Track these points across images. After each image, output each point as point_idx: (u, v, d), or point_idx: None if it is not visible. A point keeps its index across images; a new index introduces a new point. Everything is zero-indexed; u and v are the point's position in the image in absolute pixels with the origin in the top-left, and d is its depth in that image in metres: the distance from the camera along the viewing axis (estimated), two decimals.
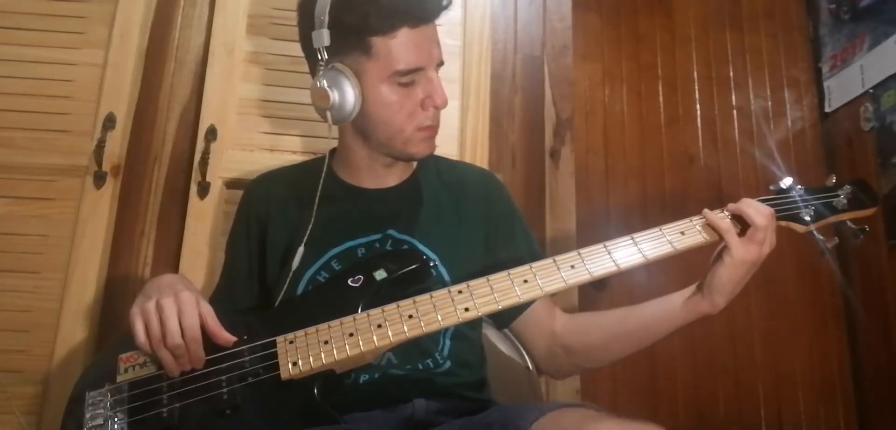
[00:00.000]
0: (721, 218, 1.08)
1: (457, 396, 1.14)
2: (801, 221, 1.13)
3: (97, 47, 1.66)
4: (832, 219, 1.15)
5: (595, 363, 1.25)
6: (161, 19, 1.75)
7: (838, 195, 1.15)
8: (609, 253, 1.07)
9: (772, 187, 1.17)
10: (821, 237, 1.13)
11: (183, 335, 0.95)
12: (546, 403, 0.92)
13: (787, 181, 1.16)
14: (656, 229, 1.09)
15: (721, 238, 1.07)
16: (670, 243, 1.08)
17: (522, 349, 1.32)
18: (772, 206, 1.12)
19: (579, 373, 1.34)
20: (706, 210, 1.09)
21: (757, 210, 1.07)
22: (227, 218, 1.59)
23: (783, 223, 1.13)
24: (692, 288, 1.12)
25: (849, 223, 1.16)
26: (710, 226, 1.08)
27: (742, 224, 1.08)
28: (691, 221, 1.10)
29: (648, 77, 2.26)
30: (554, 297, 1.28)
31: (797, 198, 1.14)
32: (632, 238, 1.08)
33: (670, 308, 1.14)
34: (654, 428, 0.81)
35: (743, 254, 1.04)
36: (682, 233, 1.09)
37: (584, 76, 2.22)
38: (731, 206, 1.10)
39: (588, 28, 2.25)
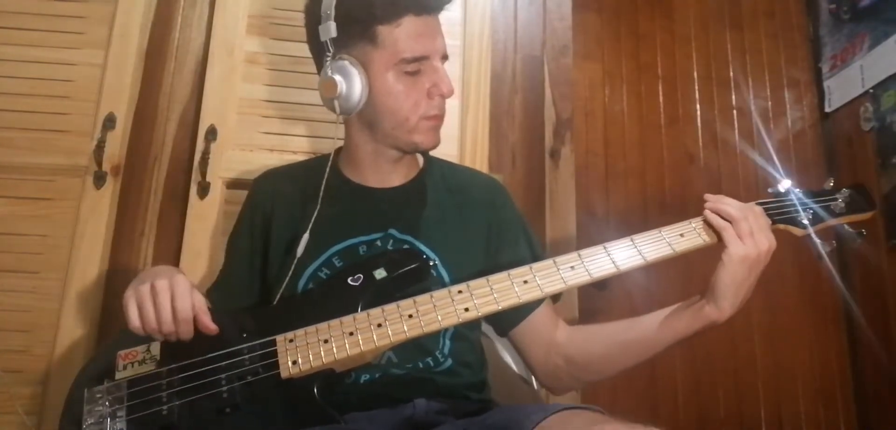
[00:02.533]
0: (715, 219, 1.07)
1: (457, 396, 1.14)
2: (798, 224, 1.12)
3: (97, 47, 1.66)
4: (830, 222, 1.14)
5: (596, 374, 1.23)
6: (161, 19, 1.75)
7: (836, 199, 1.15)
8: (609, 254, 1.06)
9: (770, 190, 1.16)
10: (819, 241, 1.13)
11: (175, 317, 0.96)
12: (548, 404, 0.92)
13: (784, 184, 1.15)
14: (656, 231, 1.09)
15: (719, 238, 1.06)
16: (669, 244, 1.08)
17: (521, 358, 1.30)
18: (769, 209, 1.12)
19: (578, 387, 1.31)
20: (706, 211, 1.08)
21: (729, 203, 1.06)
22: (227, 218, 1.59)
23: (781, 227, 1.12)
24: (697, 297, 1.09)
25: (846, 227, 1.15)
26: (708, 225, 1.08)
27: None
28: (690, 223, 1.09)
29: (648, 77, 2.27)
30: (556, 307, 1.28)
31: (795, 201, 1.14)
32: (631, 239, 1.08)
33: (676, 317, 1.11)
34: None
35: (740, 252, 1.03)
36: (682, 235, 1.09)
37: (584, 76, 2.22)
38: (709, 205, 1.08)
39: (588, 28, 2.26)
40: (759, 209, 1.08)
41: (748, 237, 1.03)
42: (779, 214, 1.12)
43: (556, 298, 1.27)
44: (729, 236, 1.04)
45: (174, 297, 0.97)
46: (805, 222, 1.12)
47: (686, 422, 2.04)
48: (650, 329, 1.13)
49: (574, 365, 1.20)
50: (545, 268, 1.06)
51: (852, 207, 1.15)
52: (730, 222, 1.04)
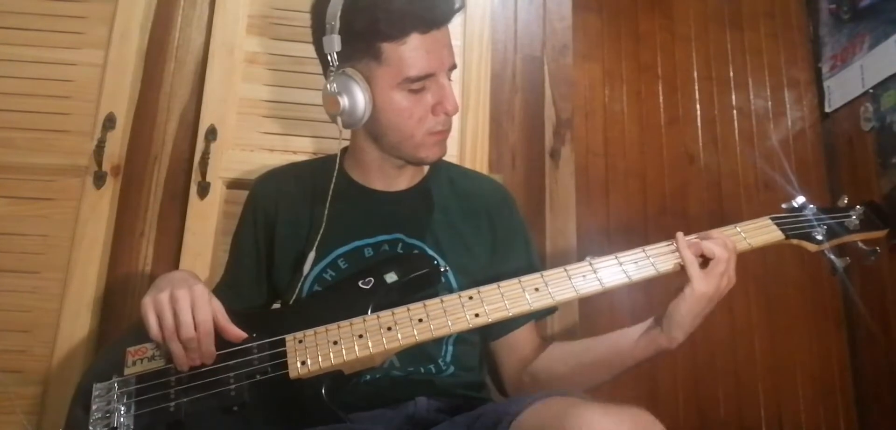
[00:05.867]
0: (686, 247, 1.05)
1: (457, 395, 1.14)
2: (813, 240, 1.13)
3: (97, 47, 1.66)
4: (843, 239, 1.15)
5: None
6: (161, 19, 1.75)
7: (850, 216, 1.15)
8: (620, 264, 1.06)
9: (784, 206, 1.17)
10: (832, 256, 1.13)
11: (195, 329, 0.96)
12: (536, 393, 0.91)
13: (799, 200, 1.16)
14: (670, 242, 1.08)
15: (684, 269, 1.04)
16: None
17: (495, 370, 1.29)
18: (783, 223, 1.12)
19: None
20: (679, 234, 1.07)
21: (718, 243, 1.04)
22: (227, 218, 1.59)
23: (795, 242, 1.13)
24: (650, 321, 1.09)
25: (860, 244, 1.16)
26: (678, 252, 1.05)
27: (703, 258, 1.05)
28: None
29: (648, 77, 2.26)
30: (538, 325, 1.28)
31: (810, 217, 1.14)
32: (643, 250, 1.08)
33: (630, 342, 1.10)
34: (637, 411, 0.80)
35: (703, 288, 1.01)
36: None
37: (584, 76, 2.22)
38: (693, 239, 1.06)
39: (588, 28, 2.25)
40: (733, 241, 1.07)
41: (719, 277, 1.02)
42: (793, 229, 1.13)
43: (546, 312, 1.28)
44: (694, 273, 1.02)
45: (195, 307, 0.97)
46: (819, 237, 1.13)
47: (686, 422, 2.04)
48: (608, 352, 1.13)
49: (538, 383, 1.20)
50: (556, 276, 1.06)
51: (867, 223, 1.15)
52: (715, 259, 1.02)
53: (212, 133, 1.64)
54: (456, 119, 1.69)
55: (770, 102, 2.27)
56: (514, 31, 1.90)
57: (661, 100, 2.25)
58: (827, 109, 2.22)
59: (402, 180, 1.26)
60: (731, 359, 2.08)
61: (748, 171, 2.19)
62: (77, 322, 1.53)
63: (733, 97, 2.27)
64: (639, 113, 2.23)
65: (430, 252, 1.18)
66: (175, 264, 1.60)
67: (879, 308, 1.99)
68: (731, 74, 2.28)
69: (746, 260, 2.05)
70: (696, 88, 2.26)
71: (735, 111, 2.26)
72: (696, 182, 2.18)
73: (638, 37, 2.29)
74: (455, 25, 1.73)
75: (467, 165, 1.66)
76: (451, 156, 1.65)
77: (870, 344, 2.05)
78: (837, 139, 2.18)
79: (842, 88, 2.16)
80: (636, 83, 2.25)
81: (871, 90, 2.03)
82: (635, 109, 2.24)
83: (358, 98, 1.12)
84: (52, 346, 1.51)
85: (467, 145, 1.72)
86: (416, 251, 1.18)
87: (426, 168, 1.31)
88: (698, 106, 2.25)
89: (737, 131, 2.24)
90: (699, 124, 2.24)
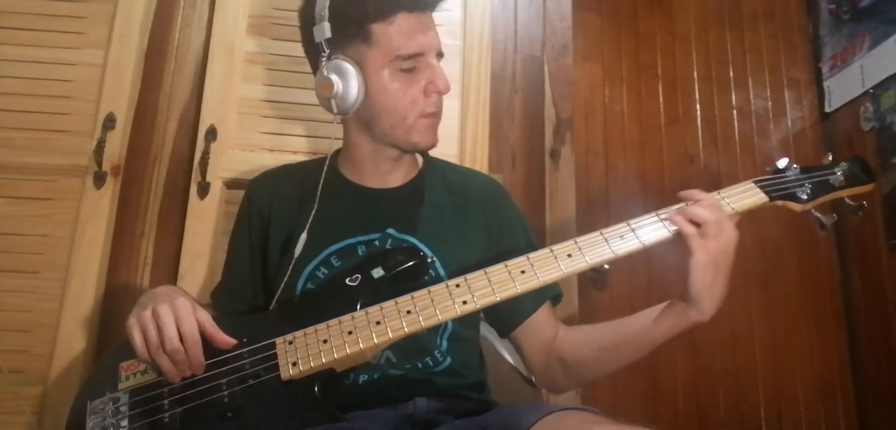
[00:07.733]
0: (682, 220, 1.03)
1: (458, 396, 1.14)
2: (797, 199, 1.11)
3: (97, 47, 1.66)
4: (829, 196, 1.13)
5: (588, 375, 1.23)
6: (161, 19, 1.75)
7: (835, 172, 1.13)
8: (606, 241, 1.05)
9: (768, 168, 1.15)
10: (818, 215, 1.12)
11: (181, 341, 0.96)
12: (546, 405, 0.91)
13: (783, 161, 1.14)
14: (653, 214, 1.08)
15: (686, 242, 1.02)
16: (666, 228, 1.07)
17: (521, 360, 1.29)
18: (767, 185, 1.11)
19: (574, 386, 1.31)
20: (671, 209, 1.05)
21: (703, 206, 1.02)
22: (227, 218, 1.59)
23: (780, 203, 1.11)
24: (674, 300, 1.08)
25: (847, 200, 1.15)
26: (673, 225, 1.03)
27: (694, 224, 1.02)
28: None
29: (648, 77, 2.27)
30: (556, 308, 1.28)
31: (794, 177, 1.13)
32: (628, 224, 1.07)
33: (661, 319, 1.09)
34: None
35: (704, 256, 1.00)
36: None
37: (584, 76, 2.22)
38: (679, 208, 1.05)
39: (588, 28, 2.26)
40: (718, 200, 1.05)
41: (714, 239, 1.00)
42: (777, 190, 1.11)
43: (556, 299, 1.28)
44: (695, 245, 1.00)
45: (179, 319, 0.97)
46: (804, 197, 1.11)
47: (686, 422, 2.04)
48: (637, 332, 1.12)
49: (567, 366, 1.20)
50: (542, 257, 1.05)
51: (852, 179, 1.13)
52: (703, 223, 1.01)
53: (212, 133, 1.64)
54: (456, 119, 1.70)
55: (770, 102, 2.27)
56: (514, 31, 1.90)
57: (661, 100, 2.25)
58: (827, 109, 2.22)
59: (396, 177, 1.26)
60: (731, 359, 2.08)
61: (748, 171, 2.19)
62: (77, 322, 1.53)
63: (733, 97, 2.27)
64: (639, 113, 2.24)
65: (421, 246, 1.18)
66: (175, 265, 1.60)
67: (879, 308, 1.99)
68: (731, 73, 2.29)
69: (746, 260, 2.07)
70: (696, 88, 2.26)
71: (735, 111, 2.26)
72: (696, 182, 2.15)
73: (638, 37, 2.29)
74: (455, 25, 1.77)
75: (467, 164, 1.66)
76: (451, 155, 1.65)
77: (870, 344, 2.04)
78: (837, 139, 2.18)
79: (842, 88, 2.16)
80: (636, 83, 2.26)
81: (871, 90, 2.03)
82: (635, 109, 2.24)
83: (351, 81, 1.14)
84: (52, 346, 1.51)
85: (467, 145, 1.72)
86: (405, 245, 1.18)
87: (419, 165, 1.31)
88: (698, 106, 2.25)
89: (737, 131, 2.24)
90: (699, 124, 2.24)
